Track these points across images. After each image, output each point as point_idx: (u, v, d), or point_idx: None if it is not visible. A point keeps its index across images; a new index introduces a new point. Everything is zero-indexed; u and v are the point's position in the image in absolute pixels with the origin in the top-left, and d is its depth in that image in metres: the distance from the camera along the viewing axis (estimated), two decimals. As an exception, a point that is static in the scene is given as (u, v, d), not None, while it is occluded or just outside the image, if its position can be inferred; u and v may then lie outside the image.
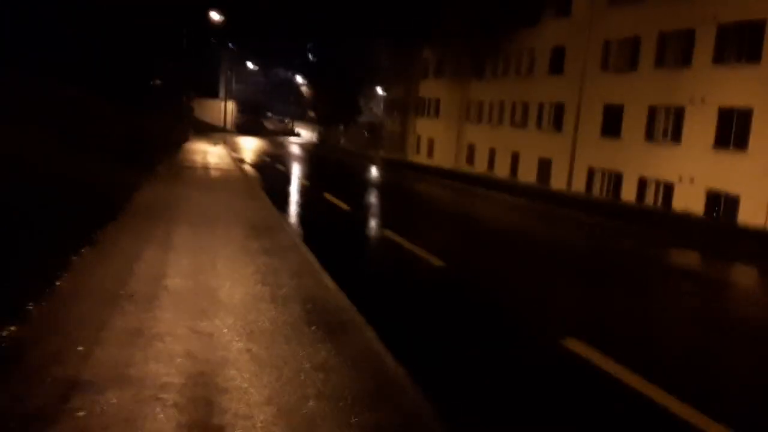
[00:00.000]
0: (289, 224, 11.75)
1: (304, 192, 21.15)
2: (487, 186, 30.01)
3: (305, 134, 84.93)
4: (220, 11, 46.23)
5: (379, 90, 70.84)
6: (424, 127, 49.25)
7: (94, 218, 9.83)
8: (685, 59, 26.45)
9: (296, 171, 30.33)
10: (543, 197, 26.59)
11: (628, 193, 28.91)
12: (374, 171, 36.43)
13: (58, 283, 6.45)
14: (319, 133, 75.10)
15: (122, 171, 16.40)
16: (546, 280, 10.52)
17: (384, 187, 27.70)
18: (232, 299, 6.56)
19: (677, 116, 26.69)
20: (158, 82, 39.84)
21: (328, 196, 18.99)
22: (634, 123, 28.92)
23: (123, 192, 13.38)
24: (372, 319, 6.42)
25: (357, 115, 69.78)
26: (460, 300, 8.59)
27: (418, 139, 50.34)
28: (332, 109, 68.51)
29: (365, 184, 28.29)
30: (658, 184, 27.54)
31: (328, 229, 13.65)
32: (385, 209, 18.72)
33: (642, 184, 28.38)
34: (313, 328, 5.91)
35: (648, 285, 11.07)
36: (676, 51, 27.07)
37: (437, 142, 46.81)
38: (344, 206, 17.02)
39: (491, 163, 40.62)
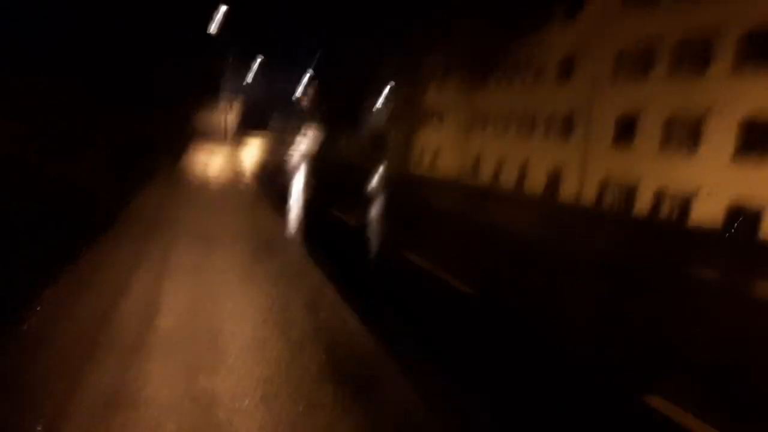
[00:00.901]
0: (296, 243, 10.58)
1: (309, 206, 19.86)
2: (500, 199, 28.74)
3: (306, 144, 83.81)
4: (223, 13, 45.18)
5: (381, 100, 69.82)
6: (429, 137, 48.09)
7: (81, 233, 8.68)
8: (703, 66, 25.35)
9: (300, 183, 29.18)
10: (566, 212, 25.32)
11: (643, 205, 27.74)
12: (379, 182, 35.19)
13: (23, 327, 5.27)
14: (321, 143, 73.99)
15: (120, 178, 15.25)
16: (603, 310, 9.34)
17: (393, 200, 26.37)
18: (235, 345, 5.37)
19: (696, 126, 25.55)
20: (161, 89, 38.85)
21: (335, 211, 17.77)
22: (649, 133, 27.79)
23: (118, 201, 12.22)
24: (409, 373, 5.22)
25: (359, 125, 68.67)
26: (508, 345, 7.40)
27: (422, 149, 49.17)
28: (334, 118, 67.48)
29: (372, 197, 27.05)
30: (674, 197, 26.37)
31: (339, 248, 12.40)
32: (399, 225, 17.40)
33: (658, 196, 27.22)
34: (337, 386, 4.73)
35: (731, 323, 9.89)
36: (694, 58, 25.96)
37: (442, 152, 45.64)
38: (353, 222, 15.84)
39: (498, 174, 39.45)
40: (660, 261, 14.00)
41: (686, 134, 26.03)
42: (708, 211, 24.34)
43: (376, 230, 15.38)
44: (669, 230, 21.58)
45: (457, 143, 43.95)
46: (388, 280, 9.80)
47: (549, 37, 34.90)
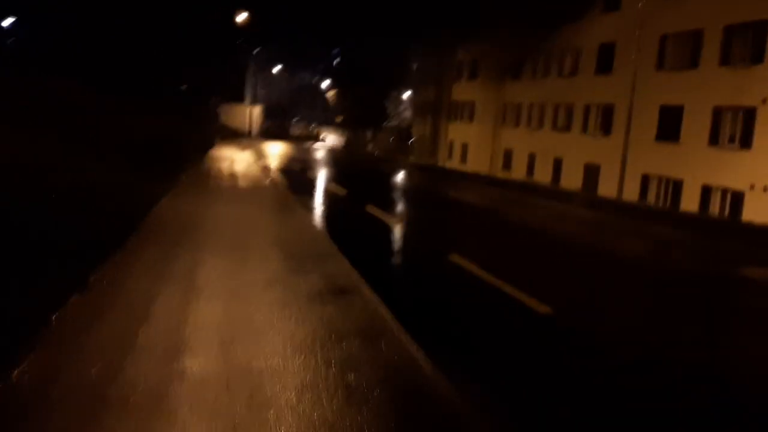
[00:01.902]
0: (335, 251, 9.36)
1: (341, 204, 18.63)
2: (540, 194, 27.02)
3: (331, 139, 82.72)
4: (247, 12, 44.19)
5: (407, 94, 68.40)
6: (458, 132, 46.63)
7: (98, 244, 7.54)
8: (755, 55, 23.63)
9: (329, 179, 27.98)
10: (613, 208, 23.43)
11: (690, 202, 26.09)
12: (411, 178, 33.69)
13: (15, 374, 4.09)
14: (346, 139, 72.81)
15: (142, 180, 14.13)
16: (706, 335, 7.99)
17: (428, 196, 24.88)
18: (283, 397, 4.13)
19: (747, 118, 23.86)
20: (185, 86, 38.01)
21: (370, 209, 16.48)
22: (695, 126, 26.12)
23: (140, 206, 11.09)
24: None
25: (384, 120, 67.38)
26: (598, 376, 6.09)
27: (451, 143, 47.69)
28: (359, 113, 66.24)
29: (406, 193, 25.64)
30: (725, 192, 24.71)
31: (384, 255, 11.08)
32: (440, 225, 16.00)
33: (706, 192, 25.56)
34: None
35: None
36: (744, 46, 24.25)
37: (471, 146, 44.16)
38: (392, 221, 14.58)
39: (530, 168, 37.92)
40: None
41: (738, 127, 24.37)
42: (763, 208, 22.71)
43: (415, 231, 14.07)
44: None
45: (488, 137, 42.52)
46: (444, 297, 8.51)
47: (587, 25, 33.28)
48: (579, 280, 10.21)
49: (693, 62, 26.55)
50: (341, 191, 21.67)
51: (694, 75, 26.46)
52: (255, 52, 65.76)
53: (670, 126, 27.42)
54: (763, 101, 23.02)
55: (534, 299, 8.05)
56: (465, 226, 16.46)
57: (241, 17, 43.96)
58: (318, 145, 71.38)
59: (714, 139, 25.30)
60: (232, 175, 21.31)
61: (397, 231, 13.80)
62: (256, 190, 17.58)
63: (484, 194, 26.80)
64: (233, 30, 47.47)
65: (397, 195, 24.74)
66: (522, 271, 10.16)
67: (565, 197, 26.00)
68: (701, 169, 25.73)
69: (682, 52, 27.22)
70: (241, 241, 9.41)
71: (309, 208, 14.91)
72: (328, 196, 20.72)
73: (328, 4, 68.20)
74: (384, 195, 23.41)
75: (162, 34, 29.04)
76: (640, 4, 28.92)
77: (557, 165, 35.35)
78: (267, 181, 20.52)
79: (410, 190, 27.43)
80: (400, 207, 19.20)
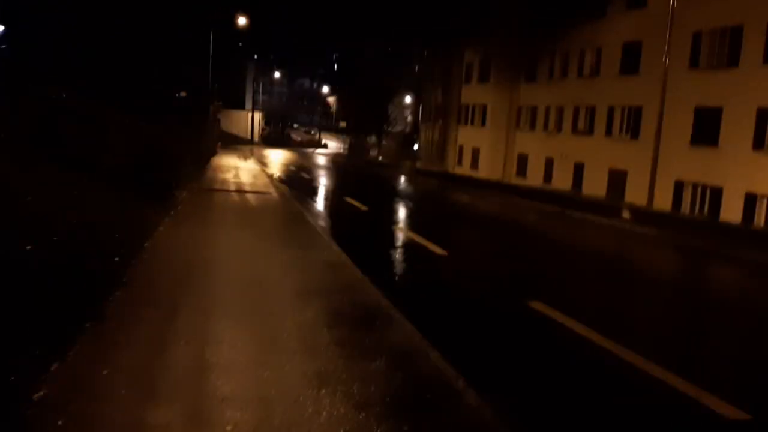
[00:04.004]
0: (389, 305, 6.89)
1: (367, 225, 15.96)
2: (574, 205, 24.02)
3: (332, 145, 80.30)
4: (246, 16, 41.84)
5: (409, 98, 65.99)
6: (468, 136, 44.08)
7: (65, 314, 5.08)
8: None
9: (345, 191, 25.45)
10: (670, 223, 20.52)
11: (731, 210, 23.67)
12: (432, 189, 30.79)
13: None
14: (349, 145, 70.29)
15: (135, 202, 11.66)
16: None
17: (464, 214, 22.00)
18: None
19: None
20: (183, 93, 35.63)
21: (411, 233, 13.86)
22: (736, 129, 23.71)
23: (131, 241, 8.61)
24: None
25: (388, 125, 64.89)
26: None
27: (461, 149, 45.14)
28: (361, 118, 63.77)
29: (437, 209, 22.65)
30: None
31: (436, 300, 8.49)
32: (498, 253, 13.12)
33: (750, 200, 23.15)
34: None
35: None
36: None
37: (483, 152, 41.63)
38: (438, 250, 11.85)
39: (548, 174, 35.47)
40: None
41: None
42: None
43: (473, 264, 11.47)
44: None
45: (501, 141, 40.06)
46: (520, 354, 6.04)
47: (611, 22, 30.87)
48: (666, 322, 7.76)
49: (733, 60, 24.14)
50: (362, 206, 19.10)
51: (734, 74, 24.06)
52: (255, 57, 63.39)
53: (707, 129, 25.01)
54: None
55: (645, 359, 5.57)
56: (525, 254, 13.96)
57: (241, 21, 41.61)
58: (320, 151, 68.91)
59: (758, 143, 22.92)
60: (239, 189, 18.82)
61: (452, 265, 11.27)
62: (267, 211, 15.10)
63: (518, 208, 24.35)
64: (233, 35, 45.22)
65: (426, 211, 22.24)
66: (669, 345, 7.70)
67: (606, 209, 23.07)
68: (744, 176, 23.33)
69: (719, 49, 24.82)
70: (261, 295, 6.92)
71: (332, 233, 12.43)
72: (348, 212, 18.16)
73: (328, 9, 65.97)
74: (412, 212, 20.93)
75: (160, 40, 26.82)
76: (670, 0, 26.53)
77: (578, 171, 32.91)
78: (278, 196, 18.03)
79: (439, 205, 24.90)
80: (439, 228, 16.68)
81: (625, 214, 19.86)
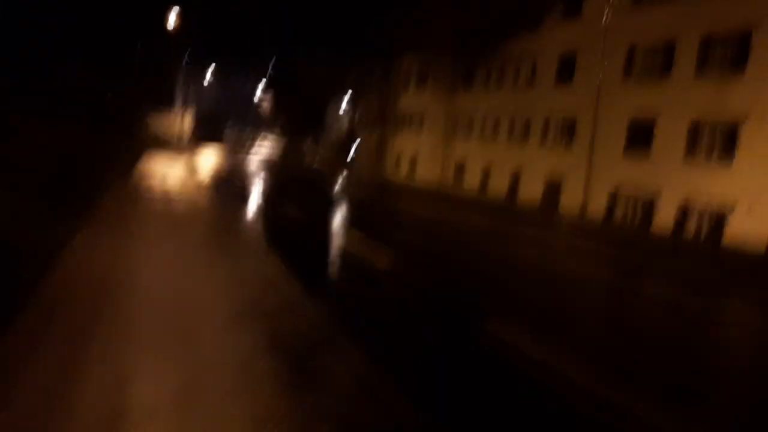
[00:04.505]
0: (338, 333, 6.11)
1: (304, 234, 15.14)
2: (508, 217, 23.76)
3: (266, 149, 78.58)
4: (177, 16, 40.12)
5: (346, 104, 65.22)
6: (406, 143, 43.67)
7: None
8: (739, 64, 21.75)
9: (279, 198, 24.46)
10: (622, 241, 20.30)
11: (664, 221, 24.04)
12: (370, 197, 29.91)
13: None
14: (283, 149, 68.83)
15: (46, 213, 10.43)
16: None
17: (406, 224, 21.28)
18: None
19: (729, 133, 21.97)
20: (109, 95, 33.72)
21: (352, 245, 13.08)
22: (670, 140, 24.12)
23: (32, 260, 7.51)
24: None
25: (323, 130, 63.93)
26: None
27: (399, 156, 44.72)
28: (295, 122, 62.57)
29: (377, 218, 21.84)
30: (703, 212, 22.73)
31: (405, 329, 7.65)
32: (440, 267, 12.61)
33: (682, 211, 23.52)
34: None
35: None
36: (724, 56, 22.40)
37: (420, 159, 41.29)
38: (382, 264, 11.19)
39: (485, 182, 35.42)
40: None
41: (719, 141, 22.47)
42: (748, 228, 20.80)
43: (415, 275, 10.79)
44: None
45: (438, 149, 39.84)
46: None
47: (546, 32, 31.06)
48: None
49: (665, 71, 24.55)
50: (297, 215, 18.19)
51: (667, 85, 24.46)
52: (186, 56, 61.22)
53: (640, 139, 25.36)
54: (747, 114, 21.19)
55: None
56: (478, 267, 13.39)
57: (172, 21, 39.88)
58: (253, 155, 67.17)
59: (691, 155, 23.35)
60: (166, 196, 17.57)
61: (396, 279, 10.57)
62: (197, 221, 14.02)
63: (468, 214, 23.90)
64: (163, 34, 43.37)
65: (363, 219, 21.51)
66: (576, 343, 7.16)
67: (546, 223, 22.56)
68: (676, 186, 23.72)
69: (653, 62, 25.22)
70: (190, 321, 6.02)
71: (267, 243, 11.48)
72: (285, 225, 17.21)
73: (266, 11, 64.63)
74: (348, 220, 20.14)
75: (80, 37, 25.15)
76: (605, 12, 26.91)
77: (515, 179, 32.96)
78: (207, 205, 16.92)
79: (386, 214, 24.23)
80: (380, 239, 15.93)
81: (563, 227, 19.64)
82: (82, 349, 4.81)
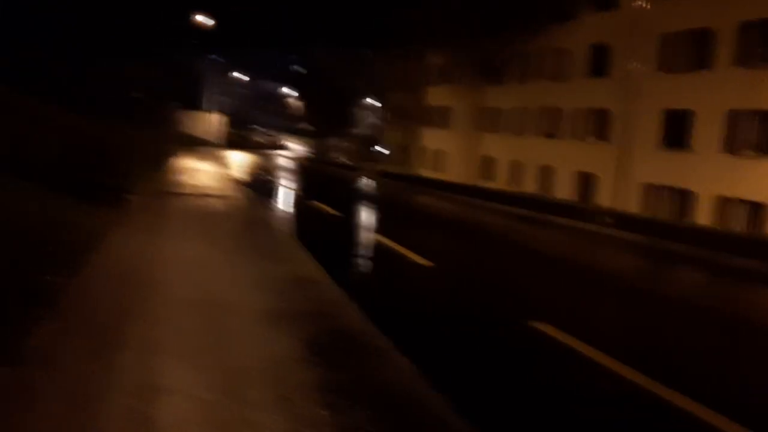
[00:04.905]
0: (379, 335, 5.77)
1: (339, 232, 14.73)
2: (551, 209, 21.60)
3: (294, 147, 78.75)
4: (207, 16, 40.25)
5: (372, 100, 64.93)
6: (432, 139, 43.26)
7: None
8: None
9: (311, 194, 24.21)
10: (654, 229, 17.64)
11: (701, 214, 23.31)
12: (401, 192, 29.12)
13: None
14: (312, 146, 68.85)
15: (80, 209, 10.29)
16: None
17: (440, 218, 20.56)
18: None
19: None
20: (139, 95, 33.88)
21: (388, 241, 12.60)
22: (707, 131, 23.37)
23: (66, 256, 7.29)
24: None
25: (350, 127, 63.76)
26: None
27: (426, 151, 44.32)
28: (323, 120, 62.48)
29: (411, 214, 21.01)
30: (743, 204, 21.97)
31: (449, 331, 7.17)
32: (483, 263, 11.82)
33: (722, 204, 22.77)
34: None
35: None
36: (764, 43, 21.60)
37: (447, 154, 40.83)
38: (422, 261, 10.60)
39: (514, 177, 34.84)
40: None
41: (758, 131, 21.70)
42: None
43: (458, 273, 10.39)
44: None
45: (465, 144, 39.32)
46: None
47: (577, 23, 30.36)
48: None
49: (703, 62, 23.77)
50: (330, 211, 17.92)
51: (704, 77, 23.69)
52: (215, 58, 61.51)
53: (677, 132, 24.62)
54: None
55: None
56: (514, 265, 13.00)
57: (201, 20, 39.99)
58: (281, 153, 67.29)
59: (730, 147, 22.57)
60: (198, 195, 17.41)
61: (439, 278, 10.23)
62: (230, 218, 13.84)
63: (494, 213, 23.43)
64: (191, 35, 43.55)
65: (397, 215, 21.20)
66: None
67: (584, 213, 20.91)
68: (715, 179, 22.97)
69: (689, 52, 24.44)
70: (223, 323, 5.75)
71: (302, 241, 11.20)
72: (320, 222, 16.91)
73: (291, 10, 64.64)
74: (382, 215, 19.87)
75: (114, 39, 25.27)
76: (639, 2, 26.13)
77: (545, 174, 32.34)
78: (240, 202, 16.73)
79: (408, 207, 23.89)
80: (415, 235, 15.59)
81: (607, 219, 19.02)
82: (112, 356, 4.55)
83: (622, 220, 19.14)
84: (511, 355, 6.28)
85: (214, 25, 41.34)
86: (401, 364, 5.01)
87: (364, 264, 10.70)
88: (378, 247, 12.18)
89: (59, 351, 4.30)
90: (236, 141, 69.23)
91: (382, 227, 14.33)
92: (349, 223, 15.98)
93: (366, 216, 18.65)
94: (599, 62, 28.82)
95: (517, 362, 6.08)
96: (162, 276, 7.11)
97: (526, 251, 14.48)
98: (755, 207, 21.40)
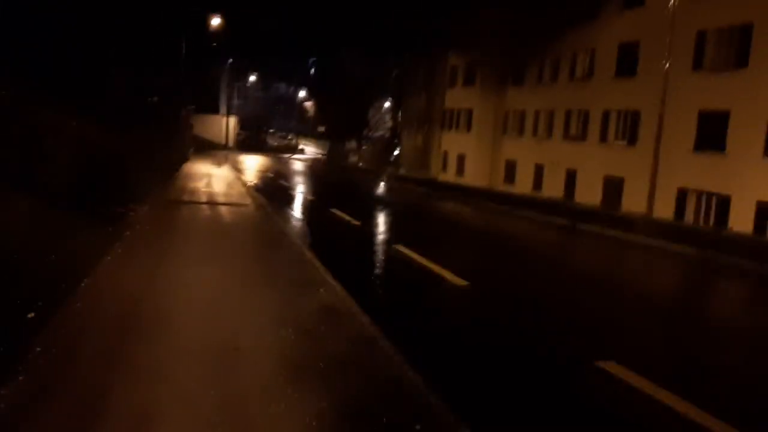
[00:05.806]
0: (426, 389, 4.69)
1: (364, 246, 13.51)
2: (586, 218, 19.89)
3: (310, 150, 77.89)
4: (221, 18, 39.41)
5: (390, 103, 63.82)
6: (453, 142, 41.99)
7: None
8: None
9: (329, 202, 23.14)
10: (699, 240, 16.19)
11: (740, 221, 21.90)
12: (424, 199, 27.89)
13: None
14: (327, 150, 67.89)
15: (79, 224, 9.31)
16: None
17: (470, 229, 19.07)
18: None
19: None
20: (155, 99, 33.11)
21: (420, 258, 11.32)
22: (745, 133, 21.97)
23: (55, 283, 6.29)
24: None
25: (367, 130, 62.69)
26: None
27: (445, 155, 43.05)
28: (339, 123, 61.44)
29: (439, 224, 19.40)
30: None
31: (500, 372, 6.12)
32: (522, 280, 10.67)
33: (762, 210, 21.37)
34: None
35: None
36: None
37: (469, 158, 39.56)
38: (458, 281, 9.49)
39: (538, 182, 33.55)
40: None
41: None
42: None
43: (499, 295, 9.20)
44: None
45: (487, 147, 38.09)
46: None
47: (605, 22, 29.04)
48: None
49: (741, 61, 22.39)
50: (352, 221, 16.77)
51: (742, 75, 22.31)
52: (230, 61, 60.70)
53: (712, 134, 23.23)
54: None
55: None
56: (554, 280, 11.81)
57: (215, 23, 39.18)
58: (297, 157, 66.40)
59: (770, 149, 21.17)
60: (210, 203, 16.42)
61: (478, 302, 9.10)
62: (244, 231, 12.79)
63: (524, 221, 22.21)
64: (207, 38, 42.80)
65: (424, 225, 20.08)
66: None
67: (622, 222, 19.67)
68: (754, 184, 21.56)
69: (726, 50, 23.07)
70: (234, 380, 4.68)
71: (323, 260, 10.09)
72: (342, 234, 15.76)
73: (307, 12, 63.79)
74: (408, 226, 18.75)
75: (127, 40, 24.39)
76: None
77: (570, 178, 31.02)
78: (255, 211, 15.70)
79: (435, 216, 22.73)
80: (447, 250, 14.43)
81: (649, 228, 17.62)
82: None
83: (670, 230, 17.73)
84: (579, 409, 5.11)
85: (229, 29, 40.55)
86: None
87: (393, 285, 9.57)
88: (405, 263, 11.01)
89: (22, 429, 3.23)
90: (252, 145, 68.50)
91: (407, 238, 13.17)
92: (372, 234, 14.85)
93: (389, 225, 17.53)
94: (629, 61, 27.47)
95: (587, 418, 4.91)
96: (163, 311, 6.04)
97: (574, 269, 13.20)
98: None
